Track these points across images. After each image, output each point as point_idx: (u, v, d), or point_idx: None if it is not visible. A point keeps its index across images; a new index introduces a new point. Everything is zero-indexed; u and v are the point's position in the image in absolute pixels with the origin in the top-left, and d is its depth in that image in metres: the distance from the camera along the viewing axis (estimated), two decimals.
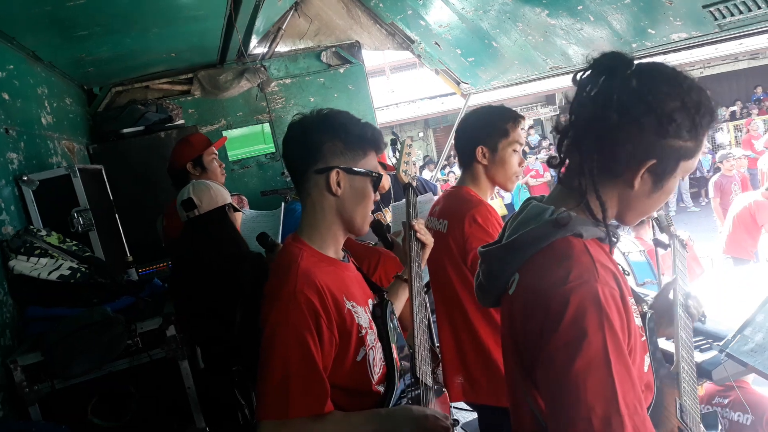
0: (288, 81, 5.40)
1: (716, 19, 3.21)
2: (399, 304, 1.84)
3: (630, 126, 1.07)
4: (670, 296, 1.55)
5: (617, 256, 4.41)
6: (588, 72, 1.14)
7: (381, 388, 1.54)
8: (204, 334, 2.51)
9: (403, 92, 16.07)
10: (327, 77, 5.48)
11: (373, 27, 5.43)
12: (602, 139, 1.10)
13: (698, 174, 12.54)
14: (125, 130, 4.56)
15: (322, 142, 1.48)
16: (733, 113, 14.89)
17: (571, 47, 4.02)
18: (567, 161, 1.18)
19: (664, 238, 1.86)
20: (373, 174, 1.53)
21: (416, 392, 1.57)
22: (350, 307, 1.46)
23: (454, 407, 3.21)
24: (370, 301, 1.60)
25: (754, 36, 3.52)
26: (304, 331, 1.34)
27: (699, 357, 2.11)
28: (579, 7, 3.59)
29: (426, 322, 1.74)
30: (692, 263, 6.05)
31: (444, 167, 13.25)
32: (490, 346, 2.20)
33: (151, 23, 3.44)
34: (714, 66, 16.05)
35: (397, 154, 2.09)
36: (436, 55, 5.45)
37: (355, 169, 1.50)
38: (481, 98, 6.07)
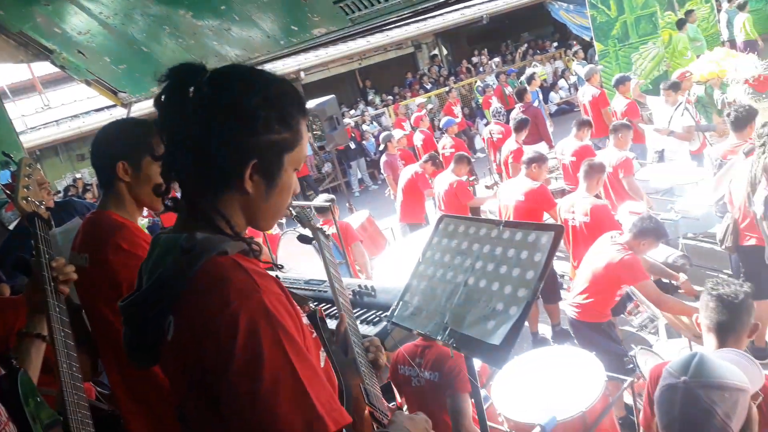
0: None
1: (347, 14, 3.48)
2: (35, 367, 1.54)
3: (217, 134, 1.03)
4: (341, 332, 1.60)
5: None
6: (163, 92, 1.07)
7: None
8: None
9: (65, 108, 14.34)
10: None
11: None
12: (195, 155, 1.04)
13: (368, 158, 13.88)
14: None
15: None
16: (394, 96, 16.71)
17: (224, 47, 4.00)
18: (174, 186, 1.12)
19: (307, 232, 1.92)
20: None
21: None
22: None
23: None
24: None
25: (386, 29, 3.92)
26: None
27: (372, 330, 2.28)
28: (222, 7, 3.57)
29: (79, 375, 1.50)
30: (377, 236, 6.65)
31: None
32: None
33: None
34: (372, 56, 17.80)
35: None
36: (84, 65, 4.92)
37: None
38: (147, 105, 5.71)
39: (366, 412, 1.49)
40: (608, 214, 4.61)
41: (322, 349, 1.30)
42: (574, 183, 5.92)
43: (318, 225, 1.91)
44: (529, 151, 5.95)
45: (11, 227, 3.89)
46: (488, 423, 1.98)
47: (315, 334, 1.25)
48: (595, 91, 8.06)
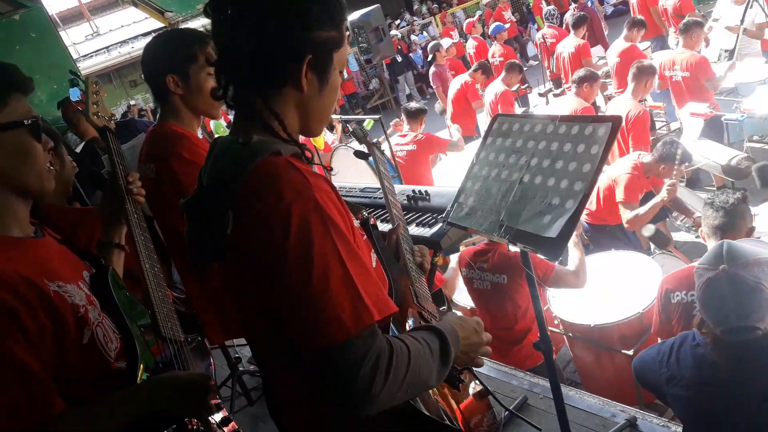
0: None
1: None
2: (118, 274, 1.65)
3: (273, 29, 1.07)
4: (393, 239, 1.65)
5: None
6: None
7: (123, 364, 1.39)
8: None
9: (113, 34, 14.46)
10: None
11: None
12: (251, 53, 1.08)
13: (415, 72, 13.56)
14: None
15: None
16: (440, 4, 16.07)
17: None
18: (232, 88, 1.15)
19: (363, 149, 1.98)
20: (26, 122, 1.28)
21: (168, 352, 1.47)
22: (56, 289, 1.26)
23: None
24: (85, 274, 1.42)
25: None
26: (5, 339, 1.13)
27: (428, 232, 2.32)
28: None
29: (161, 275, 1.61)
30: None
31: None
32: None
33: None
34: None
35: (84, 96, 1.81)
36: None
37: None
38: (194, 25, 5.68)
39: (414, 311, 1.55)
40: (644, 124, 4.45)
41: (373, 251, 1.35)
42: (621, 86, 5.67)
43: (374, 141, 1.97)
44: (579, 69, 5.66)
45: (77, 150, 4.05)
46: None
47: (365, 236, 1.31)
48: None
